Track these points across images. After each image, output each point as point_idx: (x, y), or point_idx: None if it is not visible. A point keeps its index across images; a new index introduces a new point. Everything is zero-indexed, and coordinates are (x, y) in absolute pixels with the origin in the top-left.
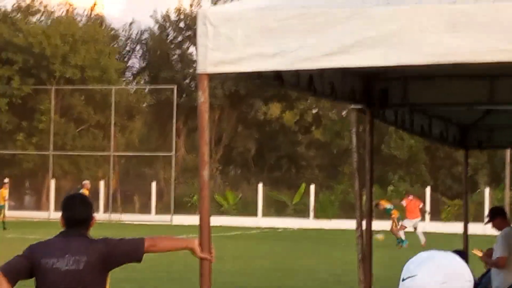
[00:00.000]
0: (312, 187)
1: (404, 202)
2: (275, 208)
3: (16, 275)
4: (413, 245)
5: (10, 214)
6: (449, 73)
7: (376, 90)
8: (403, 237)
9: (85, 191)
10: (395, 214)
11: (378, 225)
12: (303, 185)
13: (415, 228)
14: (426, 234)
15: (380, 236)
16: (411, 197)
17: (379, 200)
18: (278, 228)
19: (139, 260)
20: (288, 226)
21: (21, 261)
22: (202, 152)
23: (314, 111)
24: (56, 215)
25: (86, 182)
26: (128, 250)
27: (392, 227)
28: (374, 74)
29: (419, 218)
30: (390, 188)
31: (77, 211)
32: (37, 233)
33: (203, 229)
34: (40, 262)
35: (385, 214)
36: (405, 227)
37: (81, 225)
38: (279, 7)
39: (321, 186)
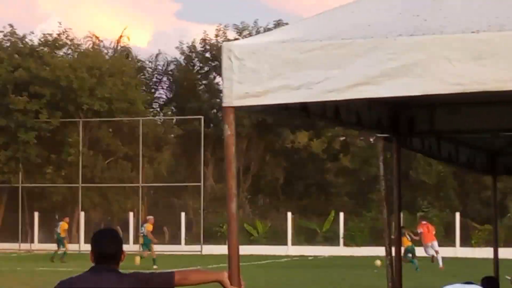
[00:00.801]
0: (342, 215)
1: (419, 229)
2: (305, 236)
3: None
4: (439, 272)
5: (41, 247)
6: (476, 100)
7: (403, 119)
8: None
9: (149, 226)
10: (406, 242)
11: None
12: (333, 213)
13: (436, 252)
14: (453, 259)
15: (378, 262)
16: (424, 222)
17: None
18: (308, 256)
19: None
20: (318, 254)
21: None
22: (230, 184)
23: (341, 138)
24: (86, 247)
25: (151, 218)
26: (159, 284)
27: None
28: (400, 103)
29: (435, 241)
30: (420, 214)
31: (107, 246)
32: (68, 266)
33: (232, 261)
34: None
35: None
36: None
37: (111, 260)
38: (303, 39)
39: (350, 213)
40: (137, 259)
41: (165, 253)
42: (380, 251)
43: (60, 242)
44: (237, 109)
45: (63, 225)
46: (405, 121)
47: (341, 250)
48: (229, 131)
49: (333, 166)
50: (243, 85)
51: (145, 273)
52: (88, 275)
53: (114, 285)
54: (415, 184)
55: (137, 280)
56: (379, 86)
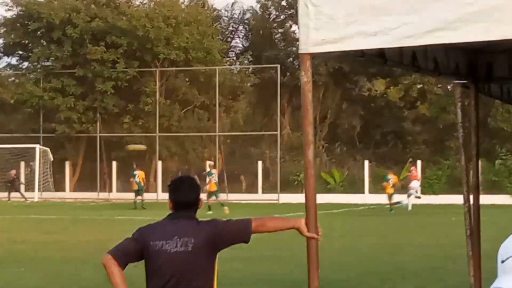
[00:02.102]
0: (419, 163)
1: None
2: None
3: (126, 258)
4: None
5: (119, 196)
6: None
7: (481, 65)
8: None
9: (213, 170)
10: (388, 189)
11: (487, 199)
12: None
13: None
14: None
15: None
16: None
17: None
18: (385, 205)
19: (246, 240)
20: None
21: (131, 244)
22: (306, 132)
23: (419, 86)
24: (164, 196)
25: (211, 163)
26: (236, 231)
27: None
28: (478, 49)
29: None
30: (498, 161)
31: (185, 194)
32: (146, 214)
33: (309, 208)
34: (150, 245)
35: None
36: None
37: (189, 208)
38: None
39: (427, 161)
40: (226, 209)
41: (242, 202)
42: (458, 199)
43: (141, 190)
44: (314, 56)
45: (141, 174)
46: (483, 67)
47: (418, 198)
48: (305, 77)
49: (410, 114)
50: (320, 32)
51: (221, 220)
52: (167, 221)
53: (191, 232)
54: (494, 132)
55: (215, 226)
56: (456, 31)
